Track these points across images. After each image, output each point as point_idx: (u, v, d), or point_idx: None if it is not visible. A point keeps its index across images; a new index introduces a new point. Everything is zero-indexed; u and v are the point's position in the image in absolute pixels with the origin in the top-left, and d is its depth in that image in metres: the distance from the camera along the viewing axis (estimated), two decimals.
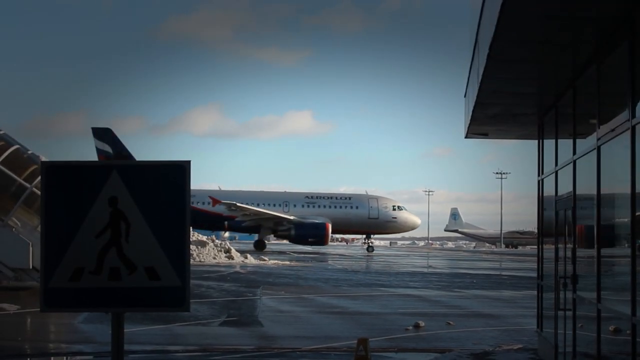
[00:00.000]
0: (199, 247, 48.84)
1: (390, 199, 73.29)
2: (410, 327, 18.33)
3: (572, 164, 11.46)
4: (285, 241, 79.04)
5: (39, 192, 4.35)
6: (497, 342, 16.40)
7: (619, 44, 8.65)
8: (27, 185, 24.13)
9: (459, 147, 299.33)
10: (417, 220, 74.91)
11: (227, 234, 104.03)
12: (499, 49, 9.38)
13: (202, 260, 46.94)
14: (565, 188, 12.19)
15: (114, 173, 4.61)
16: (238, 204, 66.53)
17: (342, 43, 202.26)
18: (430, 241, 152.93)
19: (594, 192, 9.78)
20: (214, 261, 47.36)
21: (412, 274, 40.93)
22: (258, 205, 68.33)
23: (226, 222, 69.75)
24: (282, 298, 25.42)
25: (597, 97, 9.80)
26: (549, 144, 13.86)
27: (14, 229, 23.85)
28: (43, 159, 23.19)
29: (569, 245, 11.84)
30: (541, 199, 15.01)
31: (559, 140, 12.99)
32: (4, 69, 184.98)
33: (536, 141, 15.21)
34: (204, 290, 26.89)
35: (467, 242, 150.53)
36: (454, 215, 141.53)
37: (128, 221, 4.60)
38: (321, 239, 68.29)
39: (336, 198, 72.24)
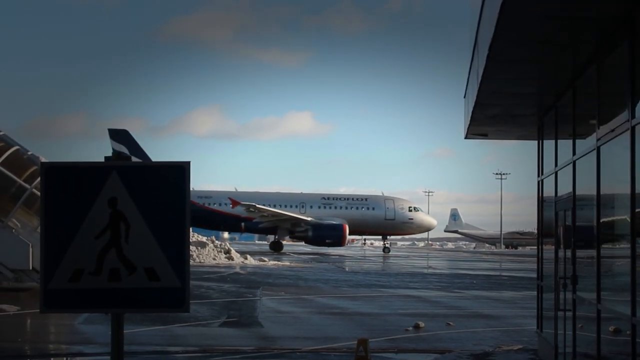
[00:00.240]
0: (199, 247, 48.82)
1: (406, 200, 73.37)
2: (410, 328, 18.34)
3: (571, 165, 11.46)
4: (300, 242, 78.93)
5: (38, 193, 4.37)
6: (497, 343, 16.40)
7: (618, 44, 8.65)
8: (27, 186, 24.14)
9: (460, 148, 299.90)
10: (433, 221, 74.99)
11: (226, 235, 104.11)
12: (498, 49, 9.38)
13: (202, 261, 46.93)
14: (565, 189, 12.19)
15: (113, 174, 4.61)
16: (257, 206, 66.60)
17: (343, 44, 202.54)
18: (430, 242, 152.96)
19: (594, 192, 9.78)
20: (214, 262, 47.36)
21: (412, 275, 40.94)
22: (274, 206, 68.31)
23: (243, 224, 69.67)
24: (282, 299, 25.43)
25: (596, 98, 9.81)
26: (549, 144, 13.87)
27: (13, 230, 23.86)
28: (43, 159, 23.18)
29: (569, 246, 11.84)
30: (541, 200, 15.01)
31: (559, 141, 12.99)
32: (4, 69, 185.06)
33: (536, 142, 15.22)
34: (204, 291, 26.90)
35: (467, 242, 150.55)
36: (454, 216, 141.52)
37: (128, 222, 4.60)
38: (339, 240, 68.12)
39: (352, 199, 72.22)
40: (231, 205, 67.13)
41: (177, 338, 16.65)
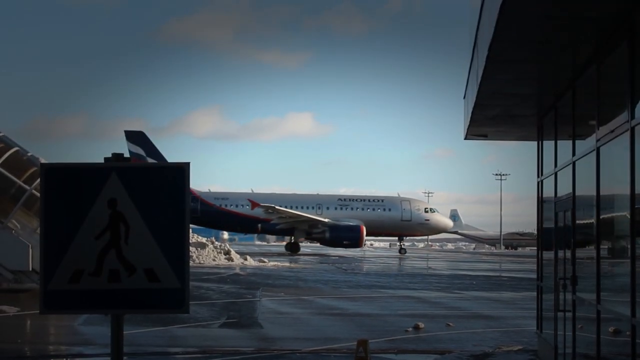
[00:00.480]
0: (199, 248, 48.82)
1: (422, 201, 73.41)
2: (410, 329, 18.34)
3: (571, 165, 11.46)
4: (316, 244, 78.90)
5: (38, 194, 4.34)
6: (497, 344, 16.41)
7: (618, 44, 8.65)
8: (27, 187, 24.13)
9: (460, 148, 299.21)
10: (449, 222, 75.01)
11: (226, 236, 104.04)
12: (498, 50, 9.38)
13: (202, 262, 46.93)
14: (564, 189, 12.19)
15: (113, 175, 4.61)
16: (277, 207, 66.62)
17: (343, 45, 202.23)
18: (429, 242, 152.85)
19: (594, 193, 9.78)
20: (214, 263, 47.36)
21: (411, 276, 40.94)
22: (291, 207, 68.29)
23: (259, 225, 69.66)
24: (281, 300, 25.43)
25: (596, 98, 9.81)
26: (549, 145, 13.87)
27: (13, 231, 23.85)
28: (42, 161, 23.18)
29: (569, 246, 11.84)
30: (541, 200, 15.02)
31: (559, 142, 12.99)
32: (3, 70, 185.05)
33: (536, 142, 15.22)
34: (204, 292, 26.90)
35: (467, 243, 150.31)
36: (454, 216, 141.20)
37: (127, 223, 4.60)
38: (356, 241, 67.99)
39: (369, 200, 72.10)
40: (250, 207, 67.17)
41: (177, 339, 16.64)
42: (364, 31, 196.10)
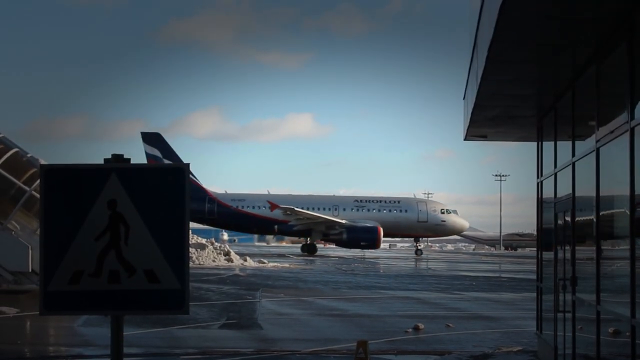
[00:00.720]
0: (198, 249, 48.80)
1: (439, 202, 73.36)
2: (410, 330, 18.33)
3: (571, 166, 11.46)
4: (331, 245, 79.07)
5: (38, 195, 4.36)
6: (496, 345, 16.40)
7: (618, 45, 8.65)
8: (26, 188, 24.13)
9: (461, 149, 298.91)
10: (465, 223, 75.04)
11: (226, 237, 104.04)
12: (498, 50, 9.38)
13: (202, 263, 46.91)
14: (564, 190, 12.20)
15: (113, 176, 4.61)
16: (296, 209, 66.78)
17: (343, 45, 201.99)
18: (429, 243, 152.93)
19: (593, 194, 9.79)
20: (214, 264, 47.34)
21: (411, 276, 40.94)
22: (308, 209, 68.39)
23: (276, 226, 69.87)
24: (281, 300, 25.42)
25: (596, 99, 9.81)
26: (548, 145, 13.87)
27: (13, 232, 23.85)
28: (42, 162, 23.19)
29: (568, 247, 11.84)
30: (540, 201, 15.02)
31: (558, 142, 12.99)
32: (3, 71, 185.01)
33: (535, 143, 15.22)
34: (204, 293, 26.89)
35: (467, 244, 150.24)
36: None
37: (127, 224, 4.60)
38: (373, 243, 68.10)
39: (385, 202, 72.20)
40: (270, 209, 67.27)
41: (177, 340, 16.63)
42: (364, 32, 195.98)
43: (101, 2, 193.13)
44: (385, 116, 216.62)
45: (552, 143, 13.31)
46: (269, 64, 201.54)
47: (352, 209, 70.86)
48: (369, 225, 67.84)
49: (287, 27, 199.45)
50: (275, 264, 50.30)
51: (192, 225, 69.29)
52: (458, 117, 17.15)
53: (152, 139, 70.40)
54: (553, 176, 13.27)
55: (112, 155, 4.70)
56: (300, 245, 77.87)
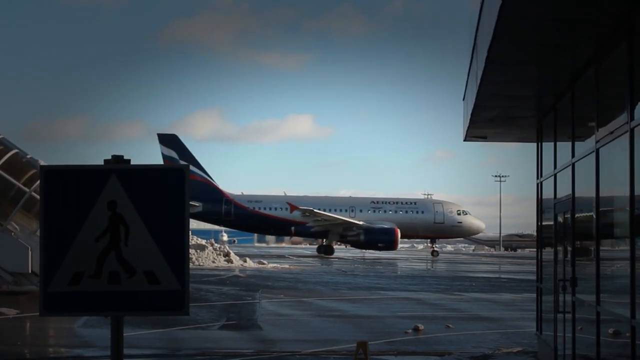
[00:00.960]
0: (198, 250, 48.78)
1: (455, 203, 73.45)
2: (410, 330, 18.33)
3: (570, 167, 11.46)
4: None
5: (37, 197, 4.36)
6: (496, 345, 16.41)
7: (617, 46, 8.66)
8: (26, 189, 24.14)
9: (461, 150, 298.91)
10: (481, 224, 75.07)
11: (225, 238, 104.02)
12: (497, 52, 9.39)
13: (201, 264, 46.90)
14: (564, 191, 12.20)
15: (112, 177, 4.61)
16: (315, 211, 66.82)
17: (343, 47, 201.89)
18: (429, 244, 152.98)
19: (593, 194, 9.79)
20: (213, 265, 47.32)
21: (411, 277, 40.93)
22: (324, 210, 68.41)
23: (293, 228, 69.98)
24: (281, 301, 25.42)
25: (595, 100, 9.81)
26: (548, 146, 13.87)
27: (12, 234, 23.85)
28: (42, 163, 23.19)
29: (568, 248, 11.84)
30: (540, 202, 15.02)
31: (558, 143, 13.00)
32: (3, 72, 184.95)
33: (535, 144, 15.23)
34: (203, 294, 26.89)
35: (466, 245, 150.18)
36: None
37: (127, 225, 4.60)
38: (391, 244, 68.16)
39: (401, 203, 72.42)
40: (289, 210, 67.37)
41: (177, 341, 16.64)
42: (364, 33, 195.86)
43: (101, 2, 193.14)
44: (385, 117, 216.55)
45: (552, 144, 13.31)
46: (269, 65, 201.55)
47: (368, 210, 70.96)
48: (386, 226, 67.89)
49: (287, 28, 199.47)
50: (275, 264, 50.28)
51: (192, 226, 69.37)
52: (458, 118, 17.16)
53: (169, 140, 70.63)
54: (553, 177, 13.27)
55: (112, 156, 4.70)
56: (304, 246, 77.91)
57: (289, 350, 15.35)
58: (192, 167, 68.75)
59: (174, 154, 69.26)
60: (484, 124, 14.58)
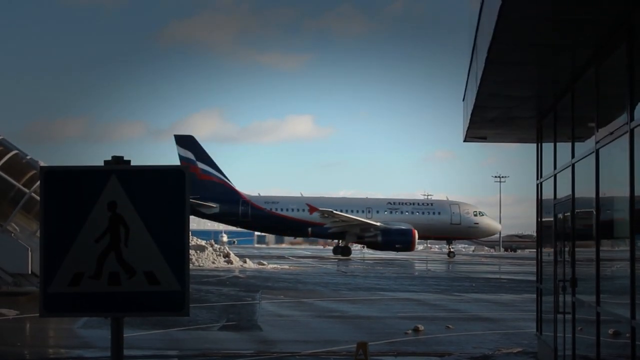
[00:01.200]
0: (198, 251, 48.79)
1: (471, 204, 73.60)
2: (410, 331, 18.33)
3: (570, 167, 11.46)
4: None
5: (37, 198, 4.37)
6: (496, 346, 16.40)
7: (617, 46, 8.65)
8: (26, 190, 24.14)
9: (461, 151, 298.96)
10: (498, 225, 75.19)
11: (225, 238, 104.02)
12: (497, 52, 9.39)
13: (201, 264, 46.90)
14: (564, 191, 12.20)
15: (112, 178, 4.61)
16: (335, 212, 66.91)
17: (343, 47, 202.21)
18: (428, 245, 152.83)
19: (593, 195, 9.79)
20: (213, 266, 47.33)
21: (411, 278, 40.93)
22: (340, 211, 68.52)
23: (310, 229, 70.14)
24: (281, 302, 25.41)
25: (595, 100, 9.81)
26: (548, 147, 13.87)
27: (12, 234, 23.84)
28: (42, 164, 23.19)
29: (568, 249, 11.84)
30: (540, 202, 15.02)
31: (558, 144, 12.99)
32: (3, 72, 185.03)
33: (535, 144, 15.22)
34: (203, 294, 26.88)
35: (466, 245, 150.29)
36: None
37: (127, 226, 4.59)
38: (408, 245, 68.25)
39: (418, 204, 72.86)
40: (309, 211, 67.49)
41: (177, 342, 16.64)
42: (364, 33, 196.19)
43: (101, 3, 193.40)
44: (385, 117, 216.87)
45: (552, 144, 13.31)
46: (269, 65, 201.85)
47: (385, 211, 71.12)
48: (403, 227, 68.01)
49: (287, 28, 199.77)
50: (275, 265, 50.30)
51: (192, 226, 69.37)
52: (458, 118, 17.16)
53: (185, 141, 70.85)
54: (553, 177, 13.27)
55: (112, 157, 4.70)
56: (303, 246, 77.95)
57: (289, 351, 15.35)
58: (209, 169, 69.04)
59: (190, 155, 69.43)
60: (484, 124, 14.58)
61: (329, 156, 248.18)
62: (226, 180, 70.60)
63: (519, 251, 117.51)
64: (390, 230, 67.53)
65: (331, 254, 73.57)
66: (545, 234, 14.76)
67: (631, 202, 8.04)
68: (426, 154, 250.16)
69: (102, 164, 4.67)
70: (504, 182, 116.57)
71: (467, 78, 13.87)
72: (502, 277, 44.45)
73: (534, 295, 16.31)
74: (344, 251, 70.94)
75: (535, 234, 16.39)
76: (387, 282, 36.88)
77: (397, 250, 69.39)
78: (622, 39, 8.35)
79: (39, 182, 4.67)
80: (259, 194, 72.89)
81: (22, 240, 23.42)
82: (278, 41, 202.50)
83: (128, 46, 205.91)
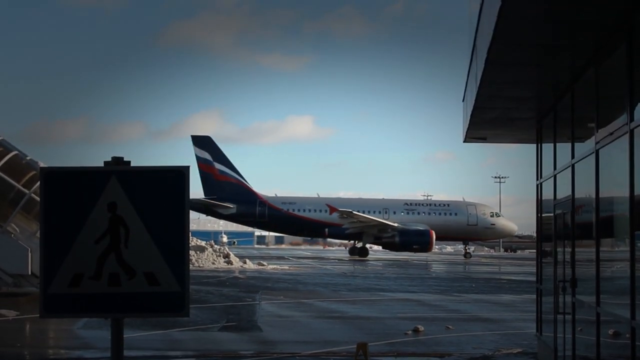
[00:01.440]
0: (198, 252, 48.78)
1: (488, 205, 73.69)
2: (410, 332, 18.32)
3: (570, 168, 11.46)
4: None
5: (37, 198, 4.36)
6: (496, 346, 16.40)
7: (617, 47, 8.66)
8: (26, 191, 24.13)
9: (461, 151, 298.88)
10: (514, 227, 75.20)
11: (225, 239, 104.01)
12: (497, 53, 9.39)
13: (201, 265, 46.89)
14: (564, 192, 12.20)
15: (112, 179, 4.61)
16: (354, 213, 66.94)
17: (343, 48, 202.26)
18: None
19: (593, 195, 9.79)
20: (213, 266, 47.32)
21: (410, 279, 40.92)
22: (358, 212, 68.58)
23: (327, 229, 70.26)
24: (281, 303, 25.40)
25: (595, 101, 9.81)
26: (548, 147, 13.87)
27: (12, 235, 23.84)
28: (42, 164, 23.20)
29: (568, 249, 11.84)
30: (540, 203, 15.02)
31: (558, 144, 12.99)
32: (3, 73, 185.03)
33: (535, 145, 15.22)
34: (203, 295, 26.87)
35: (466, 246, 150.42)
36: None
37: (127, 227, 4.60)
38: (426, 246, 68.34)
39: (435, 205, 72.93)
40: (329, 212, 67.57)
41: (177, 342, 16.63)
42: (364, 34, 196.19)
43: (102, 4, 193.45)
44: (385, 118, 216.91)
45: (552, 145, 13.31)
46: (270, 66, 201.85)
47: (402, 212, 71.20)
48: (421, 228, 68.09)
49: (288, 29, 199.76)
50: (275, 266, 50.30)
51: (191, 227, 69.38)
52: (458, 119, 17.16)
53: (203, 142, 70.96)
54: (552, 178, 13.27)
55: (112, 157, 4.70)
56: (303, 247, 78.04)
57: (289, 352, 15.34)
58: (226, 169, 69.13)
59: (207, 156, 69.55)
60: (484, 125, 14.58)
61: (329, 157, 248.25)
62: (243, 181, 70.69)
63: (518, 252, 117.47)
64: (408, 231, 67.60)
65: (330, 254, 73.56)
66: (545, 234, 14.76)
67: (631, 202, 8.04)
68: (426, 154, 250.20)
69: (102, 164, 4.68)
70: (504, 182, 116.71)
71: (467, 79, 13.87)
72: (502, 277, 44.44)
73: (534, 296, 16.30)
74: (361, 252, 71.02)
75: (535, 235, 16.38)
76: (387, 283, 36.84)
77: (415, 251, 69.46)
78: (622, 40, 8.35)
79: (38, 183, 4.67)
80: (275, 194, 72.98)
81: (22, 241, 23.41)
82: (278, 42, 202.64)
83: (128, 47, 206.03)
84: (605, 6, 7.85)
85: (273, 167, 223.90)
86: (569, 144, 11.66)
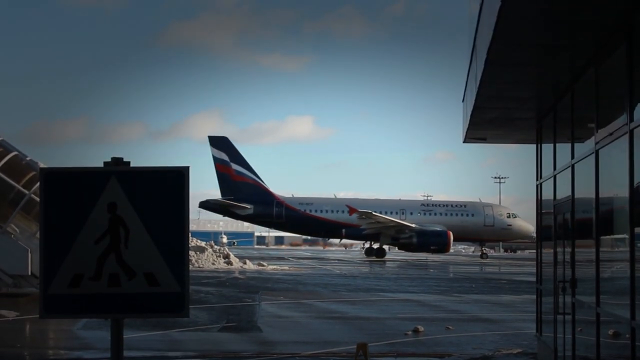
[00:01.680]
0: (198, 252, 48.77)
1: (504, 206, 73.73)
2: (410, 332, 18.32)
3: (570, 168, 11.46)
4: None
5: (37, 199, 4.35)
6: (496, 347, 16.40)
7: (617, 47, 8.65)
8: (26, 191, 24.13)
9: (461, 152, 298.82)
10: (531, 227, 75.01)
11: (225, 240, 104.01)
12: (496, 53, 9.38)
13: (201, 265, 46.88)
14: (564, 192, 12.19)
15: (112, 179, 4.61)
16: (374, 213, 66.98)
17: (343, 48, 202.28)
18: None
19: (593, 195, 9.78)
20: (213, 267, 47.31)
21: (410, 279, 40.91)
22: (375, 212, 68.62)
23: (344, 230, 70.36)
24: (281, 303, 25.40)
25: (595, 101, 9.81)
26: (548, 148, 13.87)
27: (12, 236, 23.84)
28: (42, 165, 23.19)
29: (568, 249, 11.84)
30: (540, 203, 15.02)
31: (558, 144, 12.99)
32: (3, 74, 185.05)
33: (535, 145, 15.22)
34: (203, 295, 26.87)
35: (466, 246, 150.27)
36: None
37: (127, 227, 4.60)
38: (443, 247, 68.38)
39: (452, 206, 72.84)
40: (349, 213, 67.52)
41: (177, 343, 16.63)
42: (364, 35, 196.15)
43: (102, 4, 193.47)
44: (385, 118, 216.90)
45: (552, 145, 13.31)
46: (270, 66, 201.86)
47: (419, 213, 71.25)
48: (438, 229, 68.16)
49: (288, 29, 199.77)
50: (275, 266, 50.30)
51: (191, 227, 69.43)
52: (458, 119, 17.15)
53: (220, 142, 71.08)
54: (552, 178, 13.27)
55: (112, 158, 4.70)
56: (304, 247, 78.07)
57: (289, 352, 15.34)
58: (243, 170, 69.21)
59: (224, 156, 69.64)
60: (484, 125, 14.58)
61: (329, 157, 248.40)
62: (260, 181, 70.72)
63: (518, 252, 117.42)
64: (426, 232, 67.64)
65: (329, 254, 73.58)
66: (545, 234, 14.76)
67: (631, 202, 8.04)
68: (426, 154, 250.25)
69: (102, 165, 4.68)
70: (504, 183, 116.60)
71: (467, 79, 13.87)
72: (502, 277, 44.42)
73: (534, 296, 16.30)
74: (379, 253, 71.06)
75: (535, 235, 16.38)
76: (387, 283, 36.83)
77: (432, 252, 69.58)
78: (621, 40, 8.35)
79: (38, 184, 4.67)
80: (292, 195, 73.08)
81: (22, 242, 23.42)
82: (278, 42, 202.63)
83: (128, 47, 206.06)
84: (605, 6, 7.84)
85: (273, 168, 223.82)
86: (569, 144, 11.66)
